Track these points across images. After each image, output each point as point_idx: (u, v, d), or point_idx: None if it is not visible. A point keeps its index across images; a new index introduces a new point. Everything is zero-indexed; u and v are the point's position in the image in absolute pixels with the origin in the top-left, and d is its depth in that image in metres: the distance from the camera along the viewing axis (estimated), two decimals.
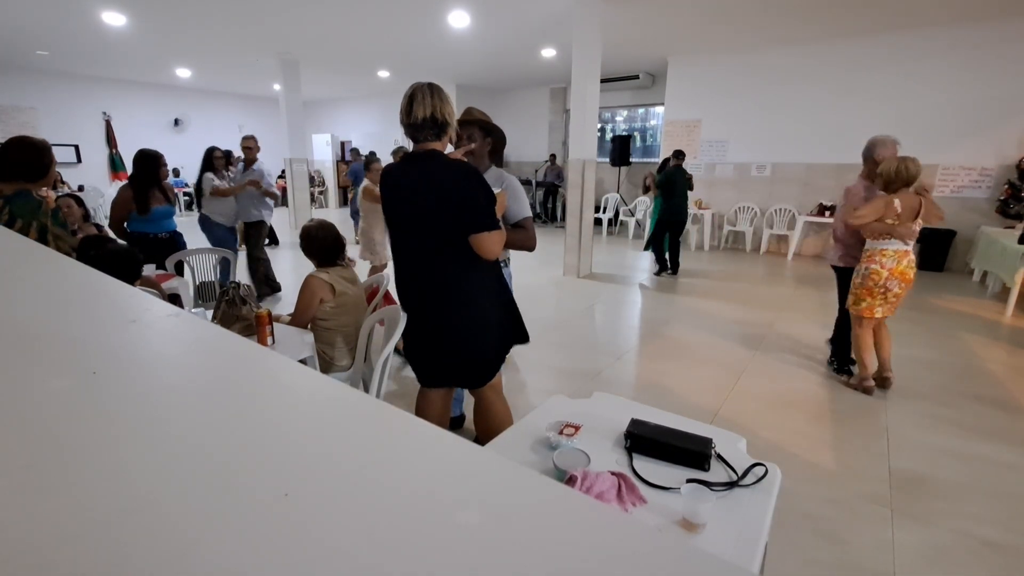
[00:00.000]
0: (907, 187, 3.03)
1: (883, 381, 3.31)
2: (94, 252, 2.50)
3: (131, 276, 2.46)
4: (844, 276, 3.39)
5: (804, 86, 7.68)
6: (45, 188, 2.52)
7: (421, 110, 1.71)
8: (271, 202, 5.13)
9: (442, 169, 1.76)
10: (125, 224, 3.58)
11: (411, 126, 1.75)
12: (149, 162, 3.54)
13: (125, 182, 3.65)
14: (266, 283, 5.33)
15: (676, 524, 1.13)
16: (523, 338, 2.14)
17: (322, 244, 2.55)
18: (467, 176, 1.75)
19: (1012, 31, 6.24)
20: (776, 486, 1.27)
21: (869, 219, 3.04)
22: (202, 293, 3.89)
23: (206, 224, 4.78)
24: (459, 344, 1.93)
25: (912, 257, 3.12)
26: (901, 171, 2.98)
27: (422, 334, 1.96)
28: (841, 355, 3.57)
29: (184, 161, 13.14)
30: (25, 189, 2.39)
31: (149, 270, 3.13)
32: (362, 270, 4.41)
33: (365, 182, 4.82)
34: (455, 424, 2.72)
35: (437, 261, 1.82)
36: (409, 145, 1.98)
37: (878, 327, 3.28)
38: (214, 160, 4.80)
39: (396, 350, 2.48)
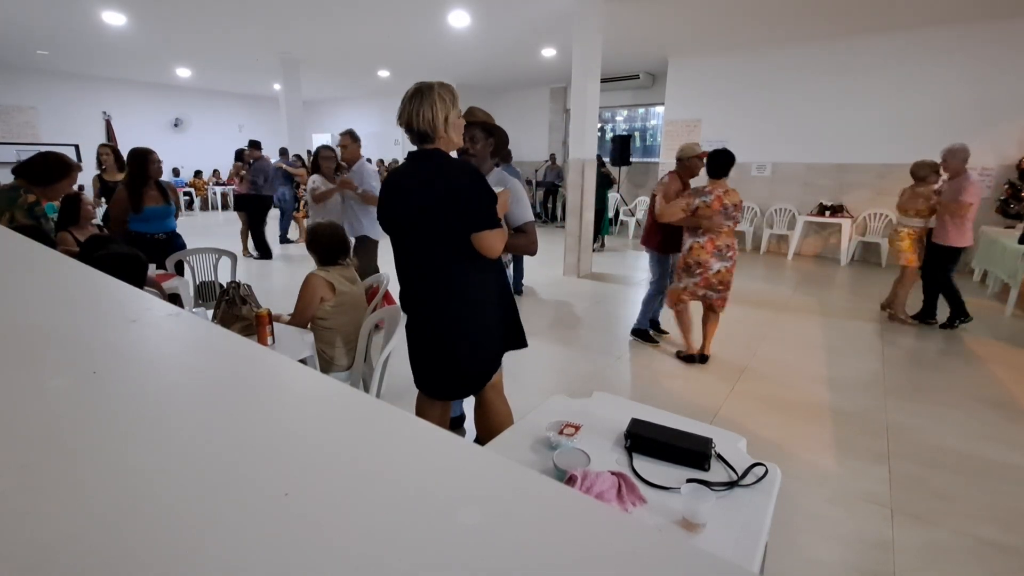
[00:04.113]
0: None
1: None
2: (101, 253, 2.51)
3: (135, 280, 2.46)
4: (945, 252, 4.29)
5: (804, 86, 7.67)
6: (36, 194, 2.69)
7: (401, 118, 1.74)
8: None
9: (443, 168, 1.76)
10: (127, 224, 3.59)
11: (406, 129, 1.77)
12: (137, 159, 3.54)
13: (122, 182, 3.66)
14: None
15: (676, 524, 1.13)
16: (521, 343, 2.14)
17: (328, 243, 2.58)
18: (467, 174, 1.75)
19: (1012, 31, 6.24)
20: (776, 486, 1.27)
21: None
22: (202, 293, 3.89)
23: None
24: (460, 346, 1.92)
25: None
26: None
27: (423, 340, 1.95)
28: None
29: (184, 161, 13.17)
30: (19, 187, 2.69)
31: (149, 270, 3.13)
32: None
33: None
34: (455, 424, 2.72)
35: (437, 260, 1.82)
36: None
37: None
38: (321, 161, 4.27)
39: None
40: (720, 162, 3.38)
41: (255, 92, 13.74)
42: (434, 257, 1.82)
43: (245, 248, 7.62)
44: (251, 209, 7.29)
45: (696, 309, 3.76)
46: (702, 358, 3.73)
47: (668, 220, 3.49)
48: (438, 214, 1.75)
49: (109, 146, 4.97)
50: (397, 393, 3.12)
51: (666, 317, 4.11)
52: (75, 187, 3.29)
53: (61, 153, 2.91)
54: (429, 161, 1.77)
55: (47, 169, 2.78)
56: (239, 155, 7.91)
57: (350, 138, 4.20)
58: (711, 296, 3.54)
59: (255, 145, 7.38)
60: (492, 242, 1.77)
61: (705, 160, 3.50)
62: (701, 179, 3.56)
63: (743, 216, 3.39)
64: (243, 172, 7.39)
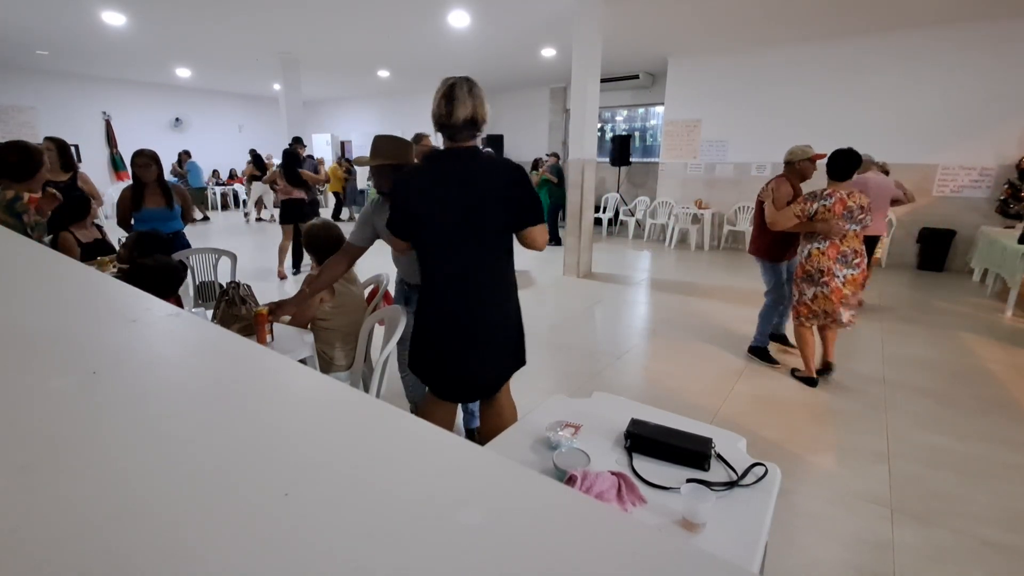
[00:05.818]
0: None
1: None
2: (148, 262, 2.43)
3: (170, 291, 2.45)
4: None
5: (804, 86, 7.67)
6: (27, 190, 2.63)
7: (463, 111, 1.68)
8: None
9: (488, 165, 1.75)
10: (132, 222, 3.63)
11: (451, 127, 1.70)
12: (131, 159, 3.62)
13: (129, 182, 3.72)
14: None
15: (676, 524, 1.13)
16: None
17: (325, 243, 2.57)
18: (515, 172, 1.76)
19: (1012, 31, 6.24)
20: (776, 486, 1.27)
21: None
22: (202, 293, 3.89)
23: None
24: (502, 341, 1.91)
25: None
26: None
27: (458, 340, 1.86)
28: None
29: None
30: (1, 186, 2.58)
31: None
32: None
33: None
34: (469, 436, 2.69)
35: (487, 258, 1.80)
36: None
37: None
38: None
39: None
40: (842, 164, 3.14)
41: (255, 92, 13.73)
42: (483, 255, 1.79)
43: (282, 267, 6.27)
44: (313, 215, 6.08)
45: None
46: (826, 367, 3.40)
47: (781, 228, 3.28)
48: (483, 211, 1.73)
49: (54, 140, 3.73)
50: (397, 393, 3.12)
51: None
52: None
53: (20, 141, 2.71)
54: (471, 159, 1.74)
55: (25, 161, 2.62)
56: (297, 158, 6.17)
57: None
58: (840, 316, 3.18)
59: (299, 141, 6.61)
60: (541, 236, 1.81)
61: (824, 162, 3.23)
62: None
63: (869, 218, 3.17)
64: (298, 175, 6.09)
